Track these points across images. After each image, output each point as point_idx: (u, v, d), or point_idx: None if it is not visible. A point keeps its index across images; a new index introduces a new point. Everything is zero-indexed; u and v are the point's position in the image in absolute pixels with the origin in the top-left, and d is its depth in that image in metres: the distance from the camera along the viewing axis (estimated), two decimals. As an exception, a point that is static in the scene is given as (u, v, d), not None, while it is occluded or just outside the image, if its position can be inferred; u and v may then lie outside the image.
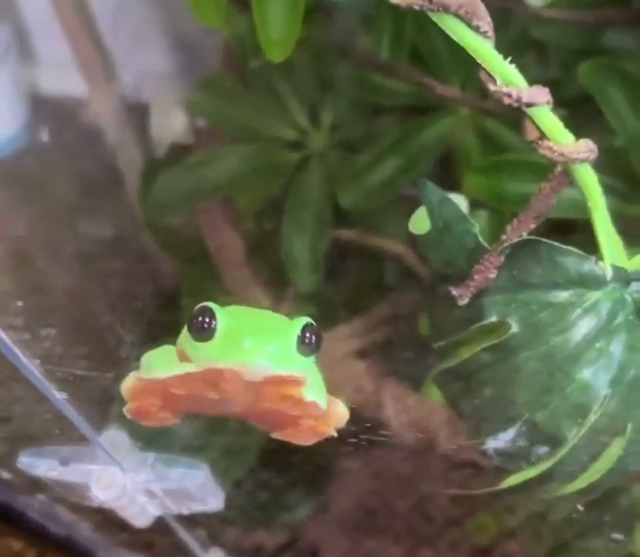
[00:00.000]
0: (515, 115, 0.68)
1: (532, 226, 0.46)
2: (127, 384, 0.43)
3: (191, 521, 0.80)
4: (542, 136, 0.42)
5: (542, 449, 0.50)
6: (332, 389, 0.84)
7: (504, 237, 0.47)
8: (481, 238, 0.49)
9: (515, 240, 0.47)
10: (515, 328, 0.48)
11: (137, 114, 1.04)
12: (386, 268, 0.82)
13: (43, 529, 0.73)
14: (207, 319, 0.40)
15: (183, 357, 0.42)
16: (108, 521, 0.71)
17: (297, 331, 0.41)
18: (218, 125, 0.86)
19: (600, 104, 0.61)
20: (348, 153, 0.81)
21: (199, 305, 0.41)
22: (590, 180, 0.43)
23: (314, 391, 0.42)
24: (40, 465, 0.54)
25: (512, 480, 0.51)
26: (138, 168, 0.94)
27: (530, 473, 0.51)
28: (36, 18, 1.23)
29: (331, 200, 0.80)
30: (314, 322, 0.42)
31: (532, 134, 0.42)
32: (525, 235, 0.47)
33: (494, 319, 0.49)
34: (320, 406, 0.42)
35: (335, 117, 0.83)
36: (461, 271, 0.50)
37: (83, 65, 1.05)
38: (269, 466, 0.91)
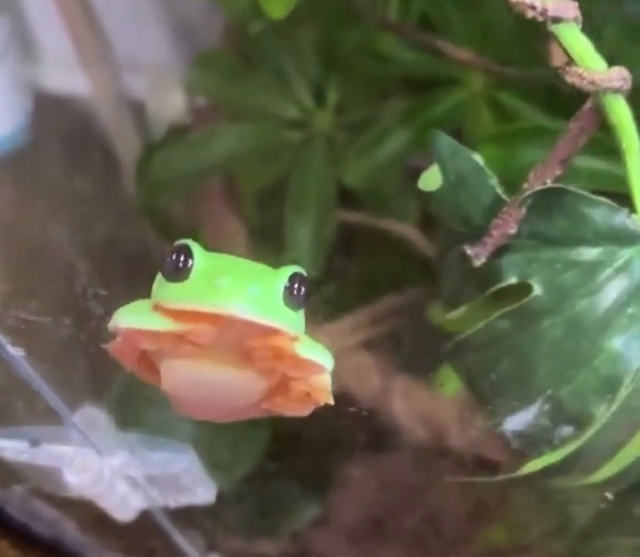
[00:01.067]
0: (531, 85, 0.63)
1: (558, 172, 0.41)
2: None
3: (189, 526, 0.75)
4: (570, 61, 0.37)
5: (567, 430, 0.44)
6: (337, 382, 0.78)
7: (525, 185, 0.42)
8: (499, 190, 0.43)
9: (537, 188, 0.41)
10: (537, 291, 0.43)
11: (139, 109, 1.00)
12: (394, 253, 0.77)
13: (25, 528, 0.67)
14: (182, 258, 0.35)
15: (156, 306, 0.36)
16: (95, 520, 0.66)
17: (285, 280, 0.36)
18: (218, 104, 0.81)
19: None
20: (354, 134, 0.76)
21: (176, 243, 0.35)
22: (623, 115, 0.38)
23: (310, 348, 0.36)
24: (8, 447, 0.48)
25: (533, 465, 0.45)
26: (137, 154, 0.89)
27: (553, 457, 0.45)
28: (38, 12, 1.19)
29: (337, 183, 0.75)
30: (303, 273, 0.36)
31: (559, 59, 0.37)
32: (549, 183, 0.41)
33: (513, 280, 0.43)
34: (322, 365, 0.36)
35: (341, 96, 0.78)
36: (477, 228, 0.44)
37: (86, 62, 1.01)
38: (272, 470, 0.85)
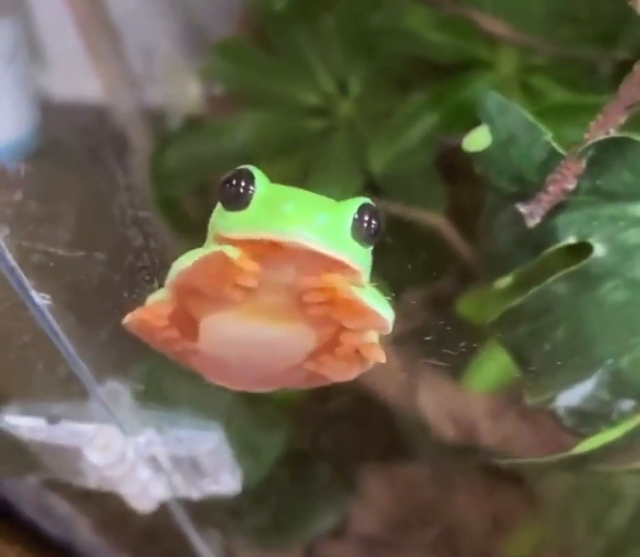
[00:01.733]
0: (564, 68, 0.60)
1: (622, 120, 0.38)
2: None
3: (206, 530, 0.71)
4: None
5: (628, 404, 0.41)
6: (362, 379, 0.75)
7: (586, 135, 0.38)
8: (556, 145, 0.40)
9: (599, 138, 0.37)
10: (598, 251, 0.39)
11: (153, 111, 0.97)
12: (422, 246, 0.74)
13: (36, 530, 0.63)
14: (243, 183, 0.32)
15: (216, 240, 0.33)
16: (110, 518, 0.62)
17: (354, 211, 0.33)
18: (236, 92, 0.78)
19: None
20: (378, 121, 0.73)
21: (237, 168, 0.33)
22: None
23: (372, 296, 0.33)
24: (23, 424, 0.44)
25: (590, 443, 0.42)
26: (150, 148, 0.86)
27: (613, 433, 0.41)
28: (47, 15, 1.16)
29: (360, 172, 0.72)
30: (373, 205, 0.32)
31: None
32: (612, 132, 0.38)
33: (572, 240, 0.40)
34: (382, 317, 0.32)
35: (366, 82, 0.75)
36: (530, 187, 0.41)
37: (98, 66, 0.98)
38: (287, 479, 0.82)
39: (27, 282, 0.35)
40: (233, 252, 0.30)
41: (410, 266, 0.76)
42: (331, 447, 0.84)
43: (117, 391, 0.45)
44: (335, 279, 0.31)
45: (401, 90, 0.72)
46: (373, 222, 0.32)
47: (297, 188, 0.33)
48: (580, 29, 0.65)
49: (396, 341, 0.75)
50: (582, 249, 0.40)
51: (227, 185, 0.32)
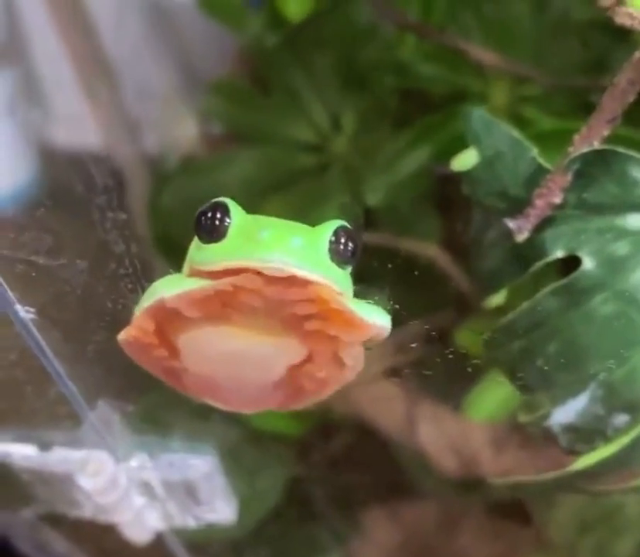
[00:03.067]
0: (556, 98, 0.60)
1: (606, 132, 0.38)
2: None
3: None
4: (619, 1, 0.34)
5: (622, 419, 0.41)
6: (361, 411, 0.74)
7: (571, 149, 0.39)
8: (542, 160, 0.40)
9: (584, 150, 0.38)
10: (586, 264, 0.39)
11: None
12: (418, 277, 0.74)
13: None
14: (219, 215, 0.32)
15: (193, 274, 0.33)
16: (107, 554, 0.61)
17: (330, 234, 0.33)
18: (233, 130, 0.79)
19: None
20: (372, 156, 0.74)
21: (210, 202, 0.33)
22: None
23: (362, 306, 0.33)
24: (15, 452, 0.44)
25: (586, 460, 0.41)
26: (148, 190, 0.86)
27: (608, 450, 0.41)
28: (48, 63, 1.18)
29: (355, 205, 0.72)
30: (349, 227, 0.32)
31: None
32: (596, 145, 0.38)
33: (560, 254, 0.40)
34: (375, 324, 0.33)
35: (359, 119, 0.76)
36: (517, 202, 0.41)
37: (98, 116, 0.99)
38: (290, 513, 0.81)
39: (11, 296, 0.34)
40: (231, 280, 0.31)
41: (406, 297, 0.76)
42: (333, 484, 0.83)
43: (108, 416, 0.44)
44: (322, 290, 0.31)
45: (395, 124, 0.73)
46: (350, 244, 0.33)
47: (272, 217, 0.33)
48: (570, 57, 0.65)
49: (395, 373, 0.74)
50: (571, 263, 0.40)
51: (202, 218, 0.32)
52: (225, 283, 0.31)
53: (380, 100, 0.75)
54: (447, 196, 0.72)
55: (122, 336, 0.35)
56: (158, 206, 0.78)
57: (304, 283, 0.31)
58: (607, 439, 0.42)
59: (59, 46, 0.94)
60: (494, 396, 0.67)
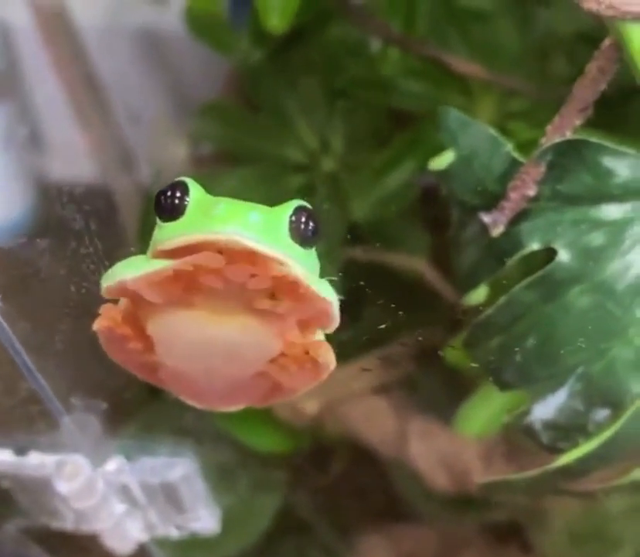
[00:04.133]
0: (542, 111, 0.61)
1: (578, 122, 0.38)
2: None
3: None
4: (586, -14, 0.34)
5: (602, 414, 0.40)
6: (351, 428, 0.74)
7: (543, 139, 0.39)
8: (516, 154, 0.40)
9: (556, 141, 0.38)
10: (562, 255, 0.39)
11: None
12: (407, 293, 0.73)
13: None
14: (178, 194, 0.32)
15: (156, 256, 0.33)
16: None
17: (289, 213, 0.32)
18: (222, 151, 0.79)
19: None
20: (359, 173, 0.74)
21: (170, 182, 0.33)
22: (646, 47, 0.35)
23: (318, 282, 0.32)
24: (-9, 456, 0.44)
25: (567, 457, 0.41)
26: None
27: (589, 446, 0.40)
28: (42, 95, 1.19)
29: (343, 222, 0.72)
30: (309, 207, 0.32)
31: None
32: (569, 135, 0.38)
33: (535, 247, 0.40)
34: (329, 302, 0.32)
35: (346, 137, 0.76)
36: (493, 197, 0.41)
37: (96, 151, 1.00)
38: (285, 538, 0.80)
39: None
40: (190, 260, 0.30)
41: (395, 313, 0.76)
42: (327, 507, 0.82)
43: (85, 421, 0.44)
44: (282, 271, 0.31)
45: (382, 141, 0.73)
46: (311, 223, 0.32)
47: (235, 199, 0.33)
48: (556, 70, 0.66)
49: (385, 389, 0.74)
50: (547, 253, 0.39)
51: (162, 197, 0.32)
52: (184, 262, 0.30)
53: (367, 118, 0.76)
54: (435, 213, 0.72)
55: (96, 326, 0.35)
56: (147, 226, 0.77)
57: (265, 261, 0.30)
58: (588, 436, 0.41)
59: (52, 77, 0.94)
60: (485, 410, 0.67)
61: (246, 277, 0.31)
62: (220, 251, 0.30)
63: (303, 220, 0.32)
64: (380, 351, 0.75)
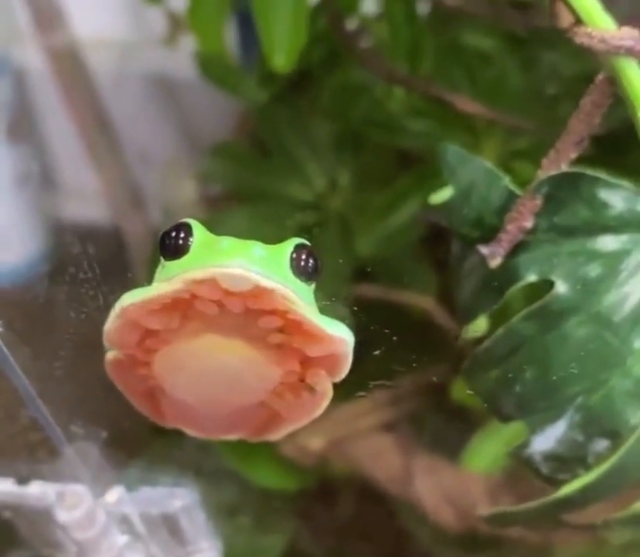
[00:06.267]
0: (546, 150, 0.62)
1: (573, 155, 0.39)
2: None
3: None
4: (578, 21, 0.35)
5: (602, 445, 0.40)
6: (357, 466, 0.74)
7: (540, 172, 0.39)
8: (513, 187, 0.41)
9: (552, 174, 0.39)
10: (559, 287, 0.40)
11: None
12: (413, 329, 0.74)
13: None
14: (182, 235, 0.33)
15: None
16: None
17: (290, 250, 0.33)
18: (232, 192, 0.81)
19: None
20: (366, 210, 0.75)
21: (174, 223, 0.34)
22: (637, 81, 0.36)
23: (325, 320, 0.33)
24: (-6, 486, 0.44)
25: (567, 488, 0.41)
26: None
27: (589, 476, 0.40)
28: (57, 138, 1.20)
29: (351, 260, 0.73)
30: (308, 245, 0.33)
31: (565, 20, 0.35)
32: (565, 168, 0.39)
33: (533, 278, 0.40)
34: (339, 338, 0.33)
35: (354, 176, 0.77)
36: (491, 229, 0.42)
37: (108, 193, 1.01)
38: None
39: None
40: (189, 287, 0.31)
41: (401, 351, 0.76)
42: (335, 548, 0.82)
43: (86, 451, 0.44)
44: (282, 300, 0.31)
45: (389, 180, 0.74)
46: (310, 260, 0.33)
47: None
48: (559, 107, 0.66)
49: (391, 426, 0.74)
50: (545, 285, 0.40)
51: (166, 238, 0.33)
52: (182, 289, 0.31)
53: (374, 158, 0.77)
54: (442, 251, 0.73)
55: (110, 356, 0.36)
56: (156, 266, 0.78)
57: (265, 292, 0.31)
58: (588, 467, 0.41)
59: (66, 119, 0.96)
60: (492, 446, 0.67)
61: (245, 306, 0.31)
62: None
63: (303, 256, 0.33)
64: (386, 389, 0.75)
